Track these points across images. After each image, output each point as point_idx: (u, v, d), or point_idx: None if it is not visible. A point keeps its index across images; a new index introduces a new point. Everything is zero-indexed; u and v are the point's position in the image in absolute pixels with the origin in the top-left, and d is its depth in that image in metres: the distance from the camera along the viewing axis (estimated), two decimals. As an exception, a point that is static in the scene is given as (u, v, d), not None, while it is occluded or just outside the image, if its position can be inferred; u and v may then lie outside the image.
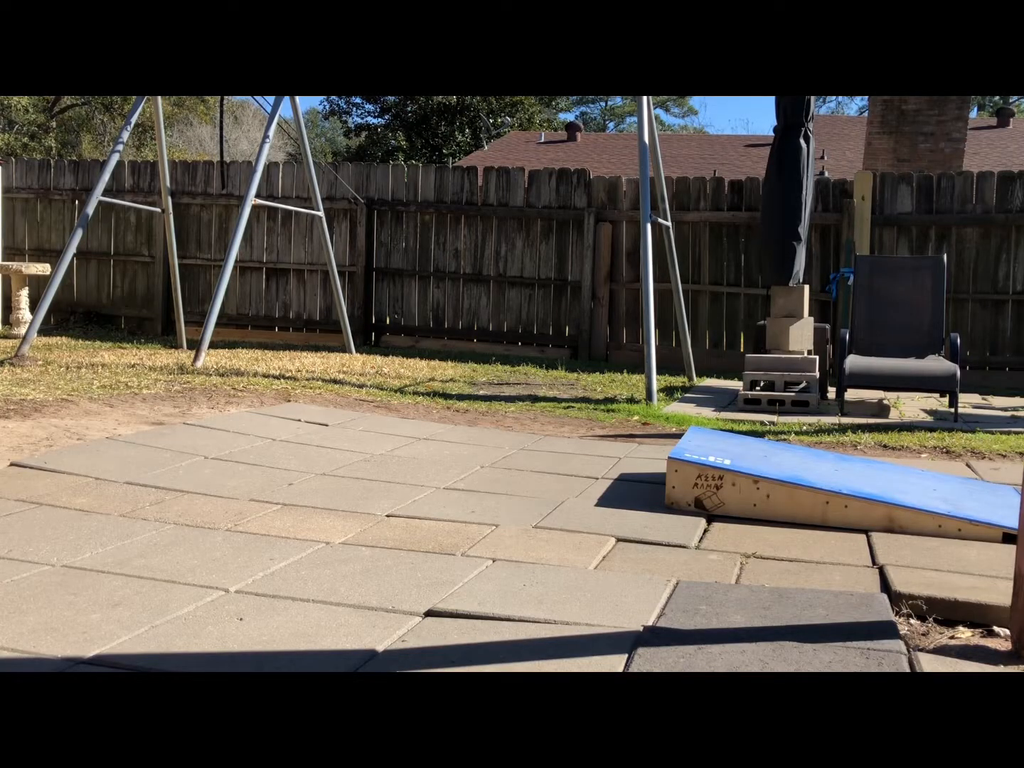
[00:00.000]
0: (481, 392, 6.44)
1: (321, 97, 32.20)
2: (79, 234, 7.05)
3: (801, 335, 6.84)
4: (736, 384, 7.51)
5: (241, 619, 2.08)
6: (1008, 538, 2.90)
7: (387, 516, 3.07)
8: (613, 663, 1.84)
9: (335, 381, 6.36)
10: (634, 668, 1.80)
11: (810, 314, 7.16)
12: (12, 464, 3.41)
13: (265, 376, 6.31)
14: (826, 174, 15.48)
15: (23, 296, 8.65)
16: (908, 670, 1.83)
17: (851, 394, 6.40)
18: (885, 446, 4.80)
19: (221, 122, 8.42)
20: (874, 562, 2.72)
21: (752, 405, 6.24)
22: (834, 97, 37.56)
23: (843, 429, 5.31)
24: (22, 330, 8.02)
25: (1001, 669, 1.92)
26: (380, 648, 1.93)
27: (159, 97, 7.80)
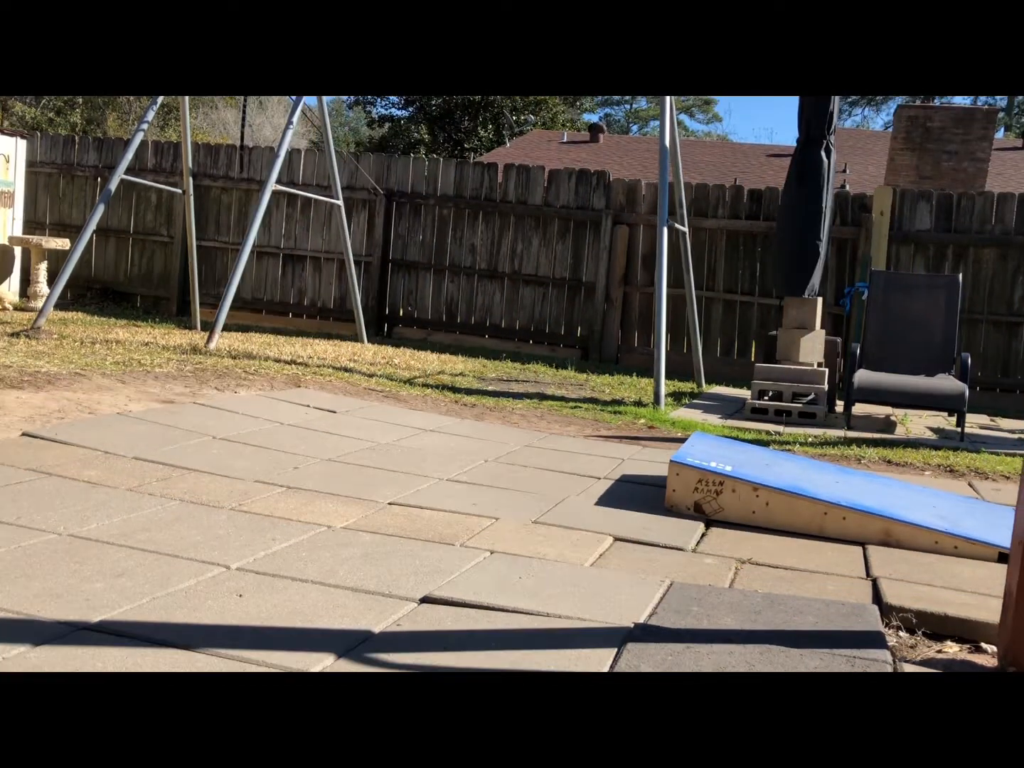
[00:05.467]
0: (490, 388, 6.47)
1: (346, 86, 32.11)
2: (100, 210, 7.11)
3: (812, 347, 6.85)
4: (744, 393, 7.53)
5: (240, 595, 2.12)
6: (1003, 558, 2.91)
7: (389, 504, 3.11)
8: (602, 657, 1.88)
9: (345, 369, 6.41)
10: (622, 662, 1.84)
11: (822, 327, 7.17)
12: (24, 434, 3.47)
13: (276, 361, 6.37)
14: (847, 188, 15.45)
15: (42, 270, 8.73)
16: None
17: (858, 408, 6.40)
18: (889, 461, 4.81)
19: (244, 110, 8.46)
20: (868, 574, 2.74)
21: (759, 414, 6.26)
22: (859, 111, 37.41)
23: (848, 443, 5.32)
24: (39, 303, 8.09)
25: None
26: (376, 630, 1.97)
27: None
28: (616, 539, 2.93)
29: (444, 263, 9.79)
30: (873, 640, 2.06)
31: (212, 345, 6.53)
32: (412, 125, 28.34)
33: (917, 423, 6.58)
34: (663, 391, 6.29)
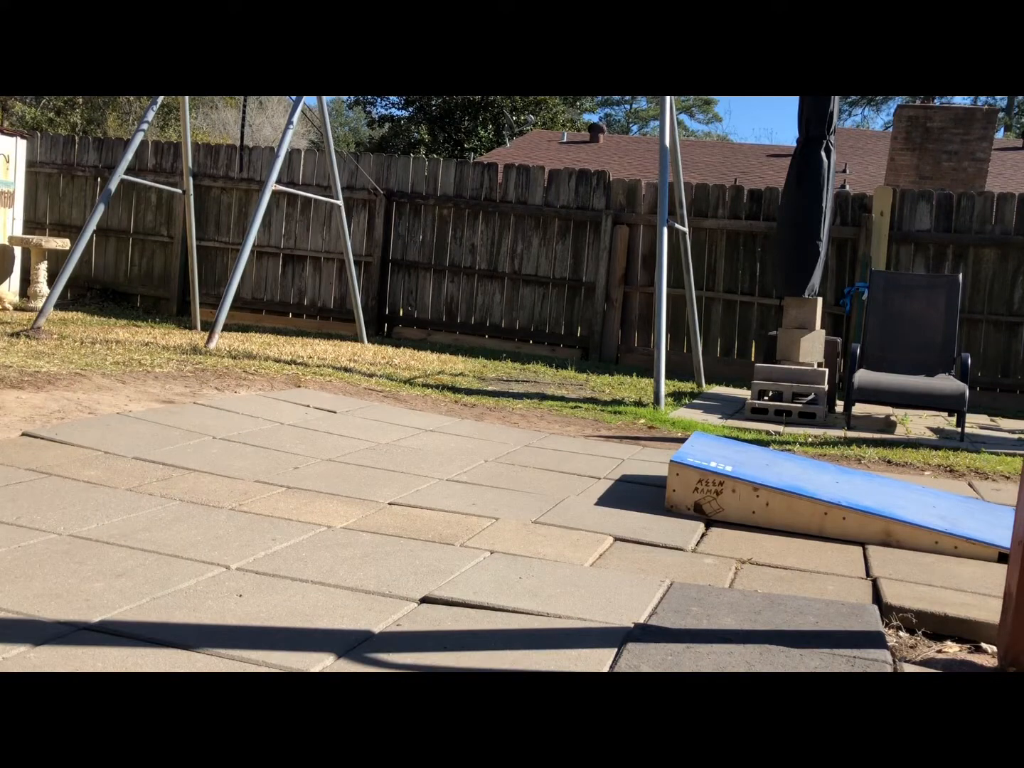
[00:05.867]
0: (490, 388, 6.47)
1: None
2: (100, 210, 7.12)
3: (812, 347, 6.85)
4: (744, 393, 7.53)
5: (240, 595, 2.12)
6: (1003, 558, 2.92)
7: (389, 504, 3.11)
8: (602, 657, 1.88)
9: (346, 369, 6.41)
10: (622, 662, 1.84)
11: (822, 327, 7.17)
12: (24, 434, 3.47)
13: (276, 361, 6.37)
14: (847, 188, 15.45)
15: (42, 270, 8.73)
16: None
17: (858, 409, 6.40)
18: (889, 461, 4.81)
19: (244, 110, 8.47)
20: (868, 574, 2.74)
21: (759, 414, 6.26)
22: (859, 111, 37.40)
23: (848, 443, 5.32)
24: (39, 303, 8.09)
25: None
26: (376, 630, 1.97)
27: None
28: (616, 539, 2.93)
29: (444, 263, 9.79)
30: (873, 640, 2.06)
31: (212, 345, 6.53)
32: (412, 125, 28.34)
33: (917, 423, 6.58)
34: (663, 391, 6.29)
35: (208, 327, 7.15)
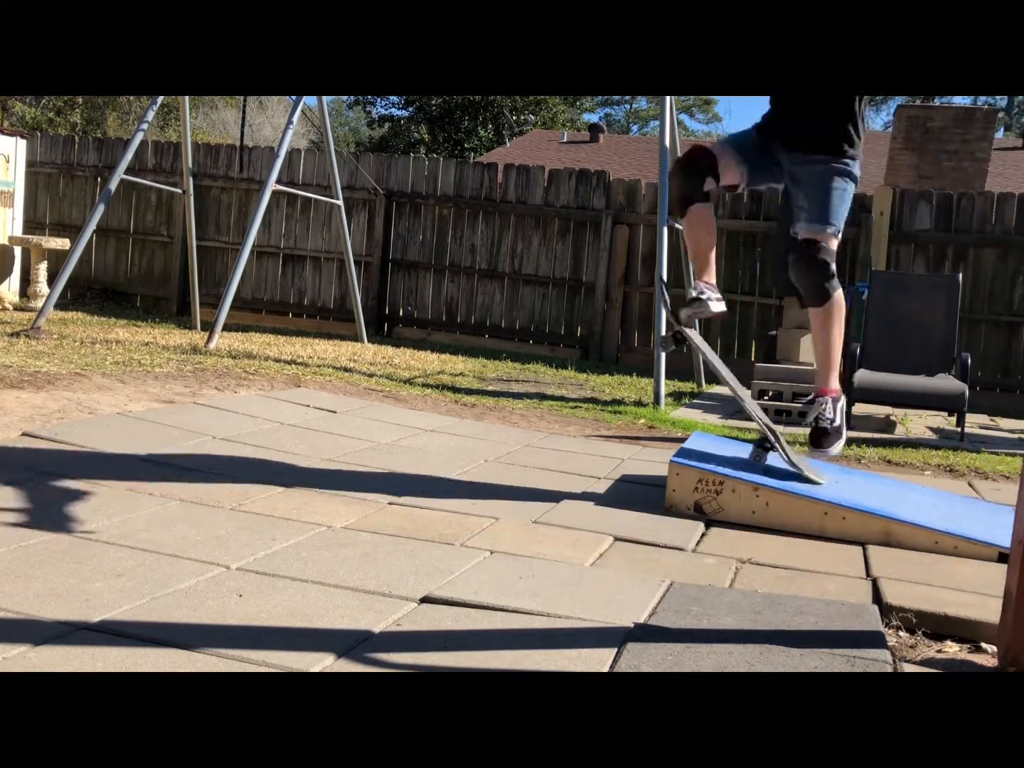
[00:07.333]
0: (490, 388, 6.47)
1: (346, 86, 32.04)
2: (100, 210, 7.12)
3: (812, 347, 6.84)
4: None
5: (240, 595, 2.12)
6: (1004, 558, 2.91)
7: (389, 504, 3.11)
8: (602, 657, 1.88)
9: (346, 369, 6.41)
10: (622, 662, 1.84)
11: (822, 326, 7.17)
12: (24, 434, 3.47)
13: (276, 361, 6.37)
14: (847, 187, 15.42)
15: (41, 270, 8.74)
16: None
17: (858, 408, 6.40)
18: (889, 461, 4.81)
19: (244, 110, 8.48)
20: (868, 574, 2.74)
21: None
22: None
23: (848, 442, 5.31)
24: (39, 303, 8.10)
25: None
26: (376, 630, 1.97)
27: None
28: (616, 539, 2.93)
29: (444, 263, 9.80)
30: (873, 640, 2.06)
31: (212, 345, 6.53)
32: (412, 125, 28.35)
33: (917, 423, 6.58)
34: (663, 391, 6.29)
35: (208, 327, 7.15)
